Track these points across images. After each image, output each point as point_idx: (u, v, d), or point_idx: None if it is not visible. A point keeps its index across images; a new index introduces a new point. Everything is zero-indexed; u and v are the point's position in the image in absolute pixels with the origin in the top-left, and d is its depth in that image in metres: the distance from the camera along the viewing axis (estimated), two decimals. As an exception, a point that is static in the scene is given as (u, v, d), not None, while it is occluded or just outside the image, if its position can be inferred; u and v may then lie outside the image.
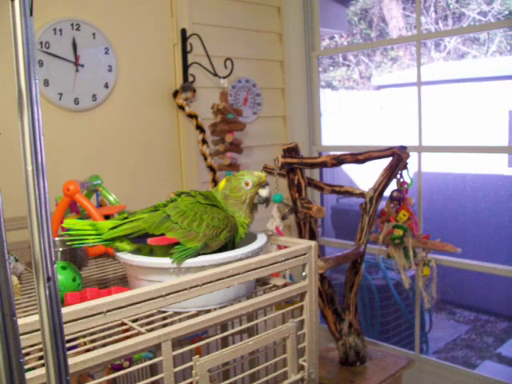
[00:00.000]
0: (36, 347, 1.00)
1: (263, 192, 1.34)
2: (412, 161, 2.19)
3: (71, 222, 1.29)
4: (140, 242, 1.26)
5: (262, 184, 1.34)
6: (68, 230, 1.28)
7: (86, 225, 1.29)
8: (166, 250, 1.23)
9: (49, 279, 0.55)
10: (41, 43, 2.13)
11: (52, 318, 0.57)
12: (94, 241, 1.27)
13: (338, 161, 2.18)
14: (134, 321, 1.13)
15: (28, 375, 0.85)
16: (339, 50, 5.56)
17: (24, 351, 0.93)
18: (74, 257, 1.56)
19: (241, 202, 1.33)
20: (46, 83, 2.16)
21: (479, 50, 6.53)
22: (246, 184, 1.32)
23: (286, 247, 1.37)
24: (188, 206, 1.29)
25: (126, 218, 1.30)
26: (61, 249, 1.56)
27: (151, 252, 1.28)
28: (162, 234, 1.24)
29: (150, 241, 1.23)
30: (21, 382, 0.60)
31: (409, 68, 6.96)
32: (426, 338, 3.80)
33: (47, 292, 0.56)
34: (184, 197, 1.34)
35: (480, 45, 6.52)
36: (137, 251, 1.28)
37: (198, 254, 1.23)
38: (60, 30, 2.19)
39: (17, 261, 1.47)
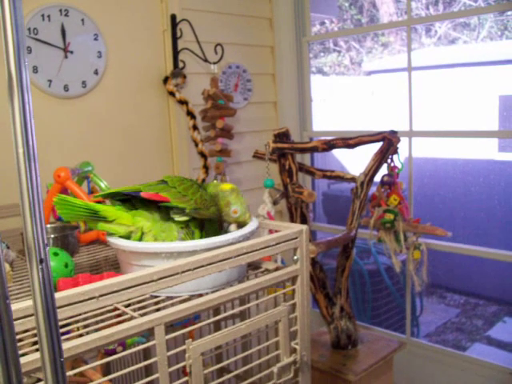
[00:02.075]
0: (29, 333, 1.01)
1: (233, 228, 1.38)
2: (403, 146, 2.20)
3: (64, 197, 1.27)
4: (133, 194, 1.27)
5: (239, 224, 1.37)
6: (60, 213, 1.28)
7: (78, 201, 1.28)
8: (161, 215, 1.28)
9: (41, 261, 0.55)
10: (29, 29, 2.11)
11: (45, 299, 0.57)
12: (84, 213, 1.24)
13: (329, 145, 2.19)
14: (127, 306, 1.14)
15: (22, 360, 0.86)
16: (330, 35, 5.54)
17: (18, 337, 0.94)
18: (66, 244, 1.56)
19: (219, 210, 1.36)
20: (35, 70, 2.14)
21: (470, 35, 6.54)
22: (234, 212, 1.36)
23: (277, 231, 1.37)
24: (186, 179, 1.35)
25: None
26: (52, 235, 1.56)
27: (142, 236, 1.28)
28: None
29: (143, 194, 1.25)
30: (16, 366, 0.61)
31: (399, 53, 6.96)
32: (416, 321, 3.84)
33: (40, 274, 0.56)
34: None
35: (470, 30, 6.53)
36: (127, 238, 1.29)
37: (189, 222, 1.28)
38: (48, 16, 2.17)
39: (8, 248, 1.47)
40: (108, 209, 1.27)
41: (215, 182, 1.44)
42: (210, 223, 1.34)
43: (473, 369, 2.57)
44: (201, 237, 1.30)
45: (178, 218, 1.27)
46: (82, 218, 1.25)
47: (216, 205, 1.34)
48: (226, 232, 1.36)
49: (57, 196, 1.26)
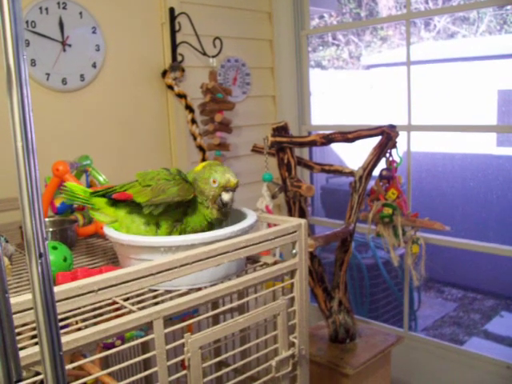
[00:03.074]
0: (28, 326, 1.01)
1: (225, 196, 1.33)
2: (401, 140, 2.20)
3: (71, 184, 1.44)
4: (107, 196, 1.38)
5: (227, 188, 1.33)
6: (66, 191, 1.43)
7: (81, 190, 1.43)
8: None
9: (41, 255, 0.55)
10: (27, 22, 2.10)
11: (44, 293, 0.57)
12: (79, 199, 1.40)
13: (328, 139, 2.18)
14: (126, 299, 1.14)
15: (21, 353, 0.86)
16: (329, 28, 5.53)
17: (17, 331, 0.94)
18: (65, 237, 1.57)
19: (204, 194, 1.34)
20: (33, 63, 2.13)
21: (469, 29, 6.53)
22: (213, 182, 1.33)
23: (275, 225, 1.37)
24: (154, 171, 1.39)
25: None
26: (51, 229, 1.56)
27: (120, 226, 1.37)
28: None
29: (114, 196, 1.34)
30: (15, 360, 0.61)
31: (398, 47, 6.95)
32: (414, 315, 3.85)
33: (39, 269, 0.56)
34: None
35: (469, 24, 6.52)
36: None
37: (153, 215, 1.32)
38: (46, 9, 2.16)
39: (7, 242, 1.47)
40: (96, 199, 1.40)
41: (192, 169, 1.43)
42: (172, 211, 1.34)
43: (470, 362, 2.58)
44: (158, 228, 1.34)
45: (146, 211, 1.31)
46: (79, 202, 1.41)
47: (179, 184, 1.32)
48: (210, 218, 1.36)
49: (65, 184, 1.44)
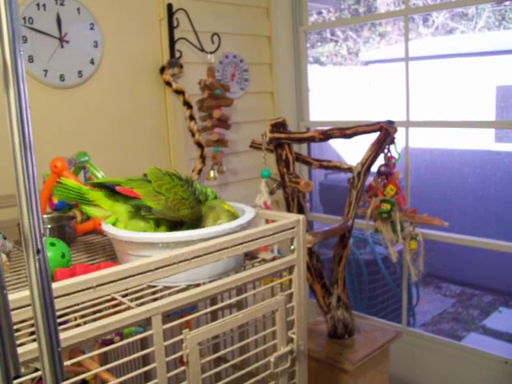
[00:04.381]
0: (26, 323, 1.01)
1: None
2: (399, 136, 2.20)
3: (66, 180, 1.41)
4: (109, 186, 1.34)
5: None
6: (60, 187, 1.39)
7: (76, 185, 1.38)
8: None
9: (38, 252, 0.55)
10: (24, 18, 2.10)
11: (42, 289, 0.57)
12: (74, 195, 1.36)
13: (326, 135, 2.18)
14: (124, 296, 1.14)
15: (20, 350, 0.86)
16: (327, 24, 5.52)
17: (15, 327, 0.94)
18: (63, 234, 1.57)
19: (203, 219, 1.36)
20: (31, 59, 2.13)
21: (467, 25, 6.53)
22: (219, 219, 1.34)
23: (274, 221, 1.37)
24: (167, 174, 1.36)
25: None
26: (49, 226, 1.56)
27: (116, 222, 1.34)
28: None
29: (118, 188, 1.31)
30: (13, 356, 0.61)
31: (397, 43, 6.95)
32: (413, 311, 3.86)
33: (37, 265, 0.56)
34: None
35: (468, 20, 6.51)
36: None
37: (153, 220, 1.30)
38: (44, 5, 2.15)
39: (5, 239, 1.47)
40: (92, 192, 1.36)
41: (220, 200, 1.42)
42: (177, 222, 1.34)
43: (468, 358, 2.58)
44: (157, 228, 1.33)
45: (144, 213, 1.29)
46: (73, 199, 1.36)
47: (197, 206, 1.33)
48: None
49: (59, 181, 1.38)
